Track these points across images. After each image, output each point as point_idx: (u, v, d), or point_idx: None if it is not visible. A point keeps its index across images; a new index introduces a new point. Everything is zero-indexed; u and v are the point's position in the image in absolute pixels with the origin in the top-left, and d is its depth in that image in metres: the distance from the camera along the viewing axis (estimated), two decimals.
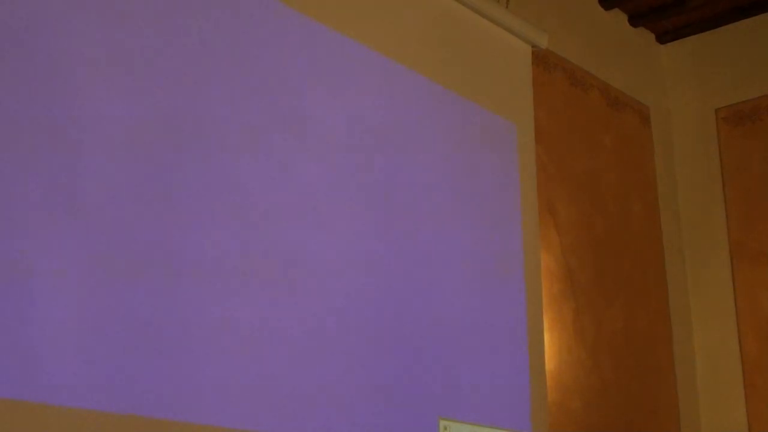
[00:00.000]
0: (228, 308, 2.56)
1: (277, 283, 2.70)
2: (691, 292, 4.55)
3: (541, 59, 4.06)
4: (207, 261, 2.54)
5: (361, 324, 2.92)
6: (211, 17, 2.73)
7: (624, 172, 4.40)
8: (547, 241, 3.87)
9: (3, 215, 2.16)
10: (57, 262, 2.23)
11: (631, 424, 4.03)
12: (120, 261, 2.35)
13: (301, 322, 2.73)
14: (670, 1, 4.61)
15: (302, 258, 2.79)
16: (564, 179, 4.06)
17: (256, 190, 2.72)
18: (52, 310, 2.19)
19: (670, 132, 4.77)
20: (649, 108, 4.68)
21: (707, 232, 4.56)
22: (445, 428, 3.08)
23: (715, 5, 4.60)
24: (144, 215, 2.43)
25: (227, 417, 2.49)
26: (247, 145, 2.73)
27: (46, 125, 2.28)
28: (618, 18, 4.69)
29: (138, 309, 2.36)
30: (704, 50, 4.77)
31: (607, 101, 4.43)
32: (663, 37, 4.86)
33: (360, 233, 2.99)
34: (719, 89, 4.67)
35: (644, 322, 4.26)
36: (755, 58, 4.59)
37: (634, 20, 4.73)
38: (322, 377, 2.75)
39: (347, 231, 2.95)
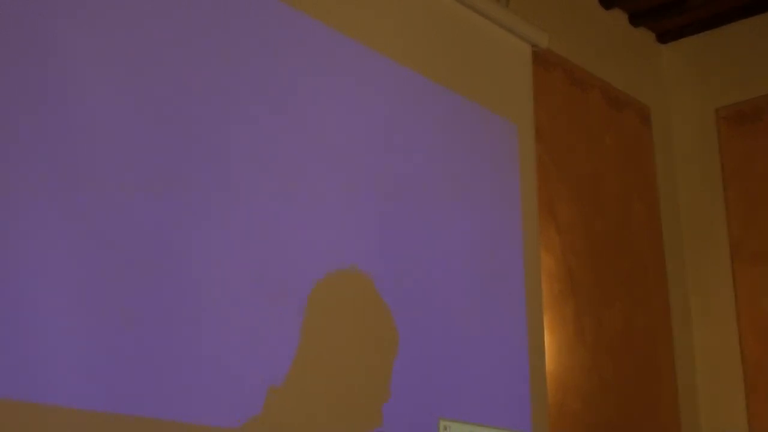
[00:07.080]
0: (228, 308, 2.56)
1: (276, 283, 2.70)
2: (691, 292, 4.55)
3: (541, 59, 4.05)
4: (207, 260, 2.54)
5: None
6: (211, 17, 2.73)
7: (624, 172, 4.40)
8: (547, 241, 3.87)
9: (1, 215, 2.16)
10: (55, 262, 2.23)
11: (631, 424, 4.03)
12: (119, 260, 2.35)
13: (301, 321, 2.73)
14: (671, 1, 4.61)
15: (302, 258, 2.79)
16: (564, 179, 4.06)
17: (256, 189, 2.72)
18: (51, 310, 2.19)
19: (670, 132, 4.77)
20: (650, 108, 4.67)
21: (707, 232, 4.56)
22: (445, 428, 3.07)
23: (716, 5, 4.59)
24: (143, 215, 2.43)
25: (228, 417, 2.48)
26: (245, 144, 2.73)
27: (43, 124, 2.28)
28: (618, 17, 4.68)
29: (137, 309, 2.36)
30: (704, 50, 4.77)
31: (607, 101, 4.43)
32: (663, 37, 4.86)
33: (360, 233, 2.99)
34: (719, 89, 4.67)
35: (644, 322, 4.26)
36: (756, 57, 4.59)
37: (635, 20, 4.73)
38: (321, 377, 2.74)
39: (347, 231, 2.95)
